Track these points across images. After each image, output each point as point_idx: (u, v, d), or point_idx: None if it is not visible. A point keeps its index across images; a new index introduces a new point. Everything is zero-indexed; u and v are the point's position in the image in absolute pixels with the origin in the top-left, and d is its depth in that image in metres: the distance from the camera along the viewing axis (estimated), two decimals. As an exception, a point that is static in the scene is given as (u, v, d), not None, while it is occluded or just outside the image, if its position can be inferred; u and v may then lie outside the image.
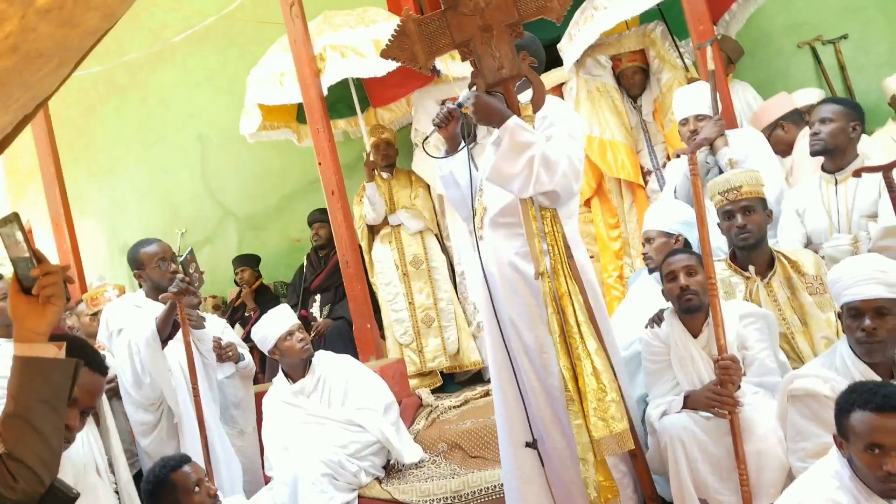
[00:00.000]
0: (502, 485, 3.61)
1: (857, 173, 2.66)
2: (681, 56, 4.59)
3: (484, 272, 2.89)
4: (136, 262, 3.82)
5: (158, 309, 3.61)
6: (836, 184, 3.42)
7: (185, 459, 2.89)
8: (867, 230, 3.21)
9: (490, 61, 2.65)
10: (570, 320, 2.59)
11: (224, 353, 4.03)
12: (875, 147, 4.16)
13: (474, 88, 2.71)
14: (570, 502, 2.82)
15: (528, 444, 2.81)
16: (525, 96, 2.71)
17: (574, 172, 2.71)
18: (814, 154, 3.47)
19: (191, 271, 3.50)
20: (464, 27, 2.65)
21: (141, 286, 3.90)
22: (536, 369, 2.82)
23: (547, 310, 2.63)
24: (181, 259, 3.58)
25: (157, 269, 3.77)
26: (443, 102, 5.06)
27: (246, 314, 6.02)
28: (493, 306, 2.87)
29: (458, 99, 2.92)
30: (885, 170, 2.57)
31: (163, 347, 3.59)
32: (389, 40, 2.69)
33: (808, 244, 3.48)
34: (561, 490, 2.83)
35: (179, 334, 3.56)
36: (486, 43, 2.65)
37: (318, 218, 5.73)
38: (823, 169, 3.48)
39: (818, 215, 3.41)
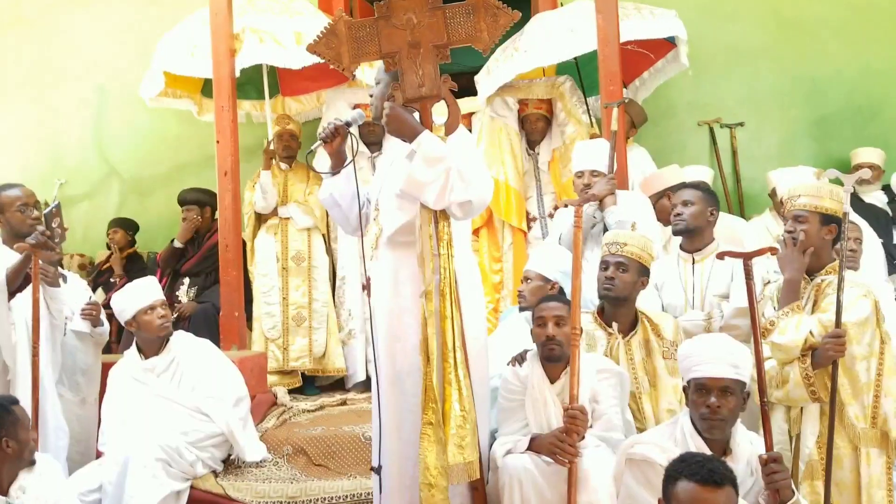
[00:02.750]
0: (340, 497, 3.62)
1: (720, 256, 2.81)
2: (588, 112, 4.75)
3: (369, 300, 2.89)
4: None
5: (14, 258, 3.42)
6: (694, 263, 3.61)
7: (15, 400, 2.94)
8: (720, 309, 3.41)
9: (412, 77, 2.70)
10: (449, 343, 2.63)
11: (88, 311, 3.86)
12: (749, 232, 4.44)
13: (391, 100, 2.73)
14: None
15: (373, 469, 2.82)
16: (439, 119, 2.76)
17: (488, 182, 2.81)
18: (675, 234, 3.69)
19: (53, 226, 3.33)
20: (393, 39, 2.70)
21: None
22: (414, 391, 2.79)
23: (427, 329, 2.65)
24: (46, 211, 3.39)
25: (17, 213, 3.58)
26: (355, 107, 5.07)
27: (112, 279, 5.75)
28: (372, 325, 2.88)
29: (347, 117, 2.97)
30: (746, 257, 2.72)
31: (10, 299, 3.40)
32: (318, 37, 2.70)
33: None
34: None
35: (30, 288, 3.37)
36: (411, 59, 2.71)
37: (188, 200, 5.52)
38: (682, 248, 3.68)
39: (675, 291, 3.59)
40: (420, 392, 2.69)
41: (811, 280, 3.04)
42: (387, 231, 2.89)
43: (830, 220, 3.00)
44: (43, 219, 3.52)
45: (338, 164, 3.03)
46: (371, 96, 3.02)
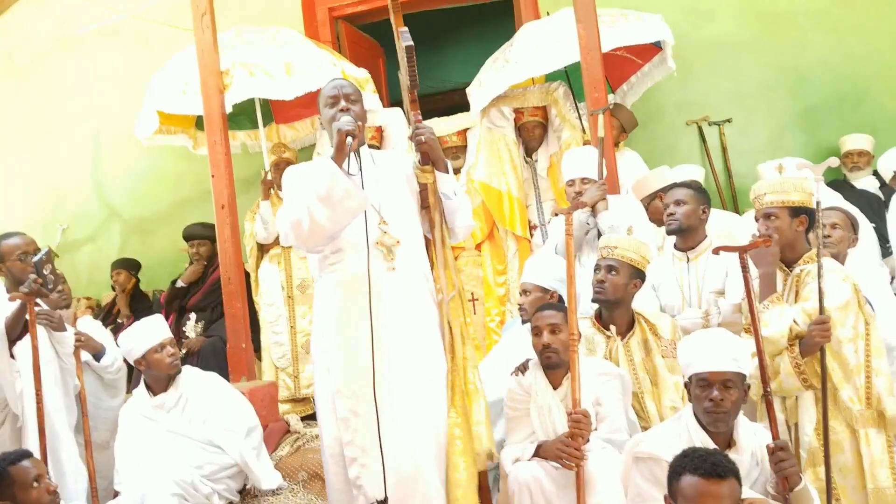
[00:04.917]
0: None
1: (716, 251, 2.85)
2: (580, 117, 4.80)
3: (371, 312, 2.80)
4: None
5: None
6: (688, 261, 3.65)
7: (26, 454, 2.87)
8: (717, 305, 3.43)
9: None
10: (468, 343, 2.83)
11: (76, 337, 3.78)
12: (743, 227, 4.46)
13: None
14: None
15: None
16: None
17: None
18: (669, 233, 3.73)
19: (45, 272, 3.36)
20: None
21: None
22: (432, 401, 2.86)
23: (454, 329, 2.83)
24: (35, 259, 3.43)
25: (17, 262, 3.62)
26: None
27: (119, 320, 5.81)
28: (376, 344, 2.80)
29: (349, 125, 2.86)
30: (742, 251, 2.76)
31: (11, 347, 3.44)
32: None
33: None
34: None
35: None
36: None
37: (197, 234, 5.57)
38: (676, 247, 3.72)
39: (671, 290, 3.63)
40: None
41: (790, 272, 3.09)
42: (405, 242, 2.92)
43: (800, 212, 3.06)
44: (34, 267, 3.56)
45: (340, 162, 2.80)
46: (348, 115, 2.91)
